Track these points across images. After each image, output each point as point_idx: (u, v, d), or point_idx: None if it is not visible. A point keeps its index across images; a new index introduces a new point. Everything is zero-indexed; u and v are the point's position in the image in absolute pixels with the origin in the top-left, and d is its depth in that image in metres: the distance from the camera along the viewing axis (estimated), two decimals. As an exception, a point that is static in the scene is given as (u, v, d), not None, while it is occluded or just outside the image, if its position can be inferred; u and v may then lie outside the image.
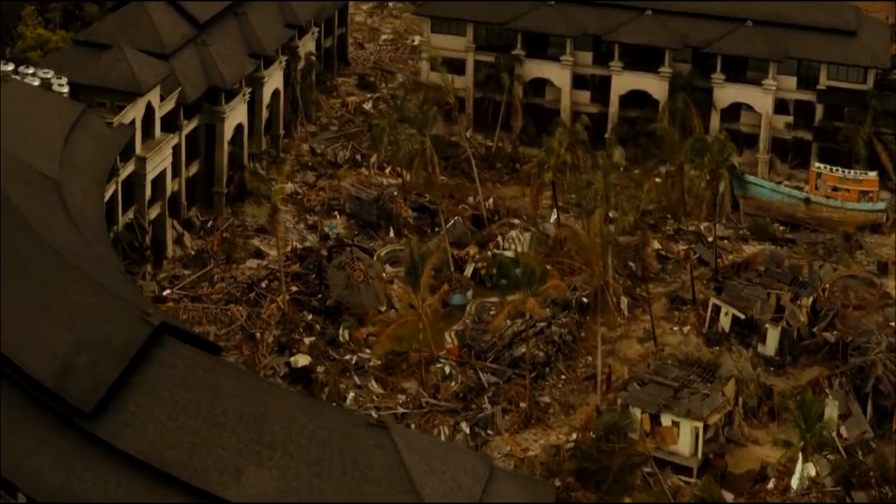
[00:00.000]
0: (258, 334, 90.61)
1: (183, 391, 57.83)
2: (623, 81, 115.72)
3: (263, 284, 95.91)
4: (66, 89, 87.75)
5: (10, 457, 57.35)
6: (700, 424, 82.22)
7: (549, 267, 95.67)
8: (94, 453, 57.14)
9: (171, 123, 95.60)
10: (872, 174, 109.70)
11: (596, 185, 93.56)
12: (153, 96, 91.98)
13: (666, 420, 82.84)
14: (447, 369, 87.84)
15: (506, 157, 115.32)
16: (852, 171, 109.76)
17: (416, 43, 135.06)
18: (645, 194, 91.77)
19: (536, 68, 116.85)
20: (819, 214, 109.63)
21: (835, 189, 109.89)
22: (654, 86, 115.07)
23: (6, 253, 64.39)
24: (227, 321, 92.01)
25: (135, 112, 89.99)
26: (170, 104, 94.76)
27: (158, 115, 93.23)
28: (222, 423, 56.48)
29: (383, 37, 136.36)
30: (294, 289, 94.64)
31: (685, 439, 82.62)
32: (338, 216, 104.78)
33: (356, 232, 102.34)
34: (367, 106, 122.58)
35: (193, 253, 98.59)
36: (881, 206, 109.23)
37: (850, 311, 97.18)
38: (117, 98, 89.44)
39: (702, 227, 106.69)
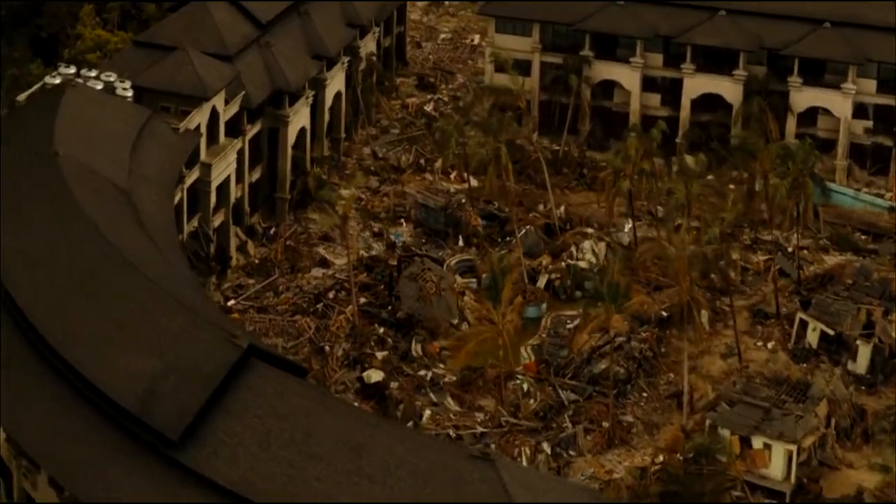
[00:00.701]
0: (327, 347, 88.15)
1: (274, 419, 55.23)
2: (695, 84, 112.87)
3: (331, 295, 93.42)
4: (129, 93, 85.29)
5: (94, 486, 54.96)
6: (794, 447, 79.40)
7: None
8: (182, 483, 54.58)
9: (234, 128, 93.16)
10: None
11: (677, 195, 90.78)
12: (218, 100, 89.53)
13: (757, 442, 79.98)
14: (525, 386, 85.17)
15: (573, 161, 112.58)
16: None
17: (475, 42, 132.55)
18: (729, 205, 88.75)
19: (605, 70, 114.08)
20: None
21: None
22: (728, 89, 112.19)
23: (83, 268, 62.03)
24: (294, 333, 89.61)
25: (200, 117, 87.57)
26: (234, 108, 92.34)
27: (223, 119, 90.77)
28: (318, 454, 53.85)
29: (442, 36, 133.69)
30: (362, 300, 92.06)
31: (777, 462, 79.75)
32: (403, 223, 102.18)
33: (423, 240, 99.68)
34: (429, 108, 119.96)
35: (257, 261, 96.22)
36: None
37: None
38: (182, 102, 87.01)
39: (780, 237, 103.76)
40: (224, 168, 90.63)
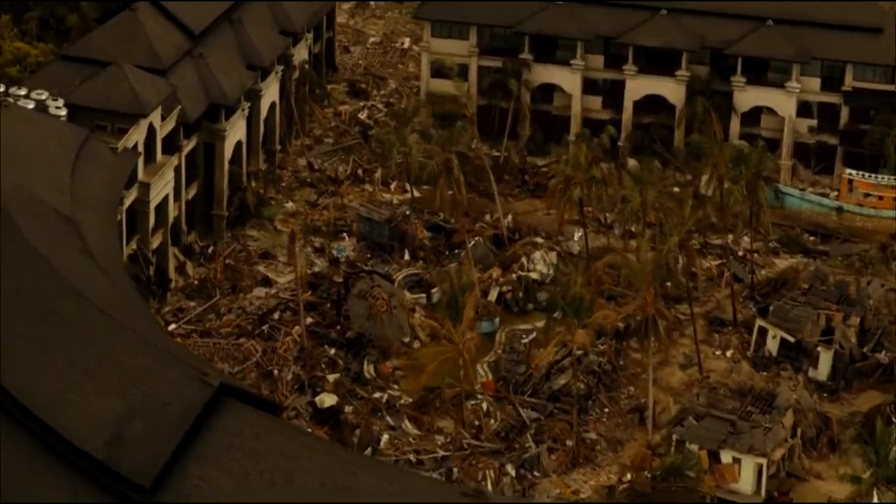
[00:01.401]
0: (276, 371, 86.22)
1: (252, 460, 52.98)
2: (637, 86, 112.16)
3: (276, 316, 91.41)
4: (63, 112, 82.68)
5: (61, 540, 52.64)
6: (764, 461, 78.94)
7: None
8: (155, 532, 52.48)
9: (170, 144, 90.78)
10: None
11: (633, 203, 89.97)
12: (155, 117, 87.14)
13: (726, 456, 79.46)
14: (485, 406, 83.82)
15: (514, 168, 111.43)
16: (886, 177, 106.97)
17: (406, 46, 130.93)
18: (687, 212, 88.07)
19: (545, 73, 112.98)
20: (852, 224, 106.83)
21: (867, 196, 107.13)
22: (671, 90, 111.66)
23: (35, 305, 59.46)
24: (240, 358, 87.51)
25: (138, 135, 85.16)
26: (170, 124, 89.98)
27: (160, 136, 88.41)
28: (301, 497, 51.94)
29: (371, 39, 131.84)
30: (309, 320, 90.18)
31: (747, 476, 79.30)
32: (346, 238, 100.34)
33: (369, 255, 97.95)
34: (363, 115, 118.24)
35: (197, 282, 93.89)
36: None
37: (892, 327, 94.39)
38: (119, 120, 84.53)
39: (728, 241, 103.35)
40: (162, 187, 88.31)
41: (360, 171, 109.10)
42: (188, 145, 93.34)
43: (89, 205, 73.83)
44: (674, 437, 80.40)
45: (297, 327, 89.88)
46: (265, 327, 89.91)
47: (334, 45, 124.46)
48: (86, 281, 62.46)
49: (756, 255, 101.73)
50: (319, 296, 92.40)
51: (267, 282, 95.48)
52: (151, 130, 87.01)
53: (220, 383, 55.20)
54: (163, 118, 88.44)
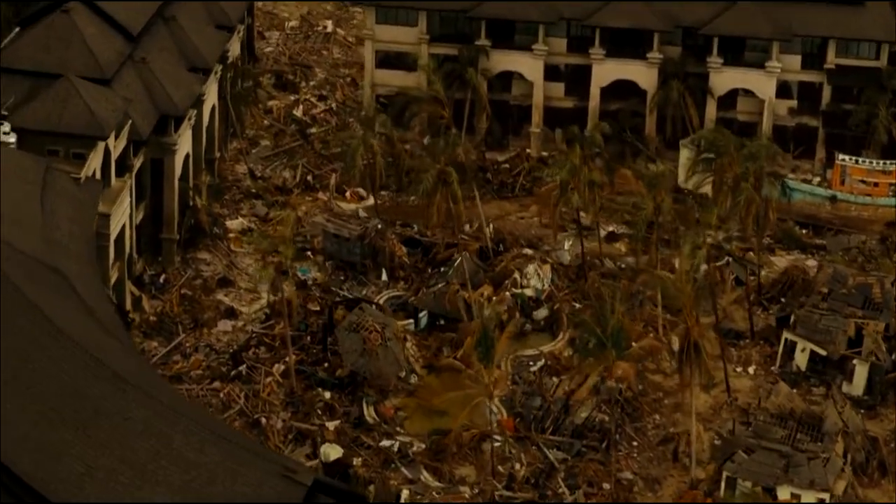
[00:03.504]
0: (264, 420, 79.88)
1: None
2: (605, 71, 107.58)
3: (250, 353, 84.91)
4: (13, 139, 74.90)
5: None
6: (827, 496, 75.28)
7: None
8: None
9: (121, 165, 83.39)
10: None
11: (647, 211, 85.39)
12: (111, 138, 79.84)
13: (784, 493, 75.56)
14: (507, 448, 78.67)
15: (472, 166, 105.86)
16: (882, 162, 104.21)
17: (328, 30, 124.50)
18: (714, 219, 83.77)
19: (504, 60, 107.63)
20: (847, 214, 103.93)
21: (863, 183, 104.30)
22: (642, 74, 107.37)
23: (61, 387, 52.69)
24: (219, 405, 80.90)
25: (96, 160, 77.78)
26: (122, 143, 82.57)
27: (113, 158, 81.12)
28: None
29: (290, 24, 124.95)
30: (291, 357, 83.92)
31: (807, 514, 75.70)
32: (310, 255, 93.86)
33: (342, 277, 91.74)
34: (297, 112, 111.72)
35: (154, 318, 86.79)
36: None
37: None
38: (75, 144, 77.04)
39: (720, 239, 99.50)
40: (121, 216, 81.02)
41: (309, 178, 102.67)
42: (136, 163, 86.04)
43: (69, 250, 66.56)
44: (724, 474, 76.21)
45: (276, 366, 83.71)
46: (242, 368, 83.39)
47: (254, 34, 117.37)
48: (104, 351, 55.64)
49: (751, 253, 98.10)
50: (297, 328, 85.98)
51: (232, 313, 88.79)
52: (107, 153, 79.66)
53: (313, 481, 49.48)
54: (115, 136, 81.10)
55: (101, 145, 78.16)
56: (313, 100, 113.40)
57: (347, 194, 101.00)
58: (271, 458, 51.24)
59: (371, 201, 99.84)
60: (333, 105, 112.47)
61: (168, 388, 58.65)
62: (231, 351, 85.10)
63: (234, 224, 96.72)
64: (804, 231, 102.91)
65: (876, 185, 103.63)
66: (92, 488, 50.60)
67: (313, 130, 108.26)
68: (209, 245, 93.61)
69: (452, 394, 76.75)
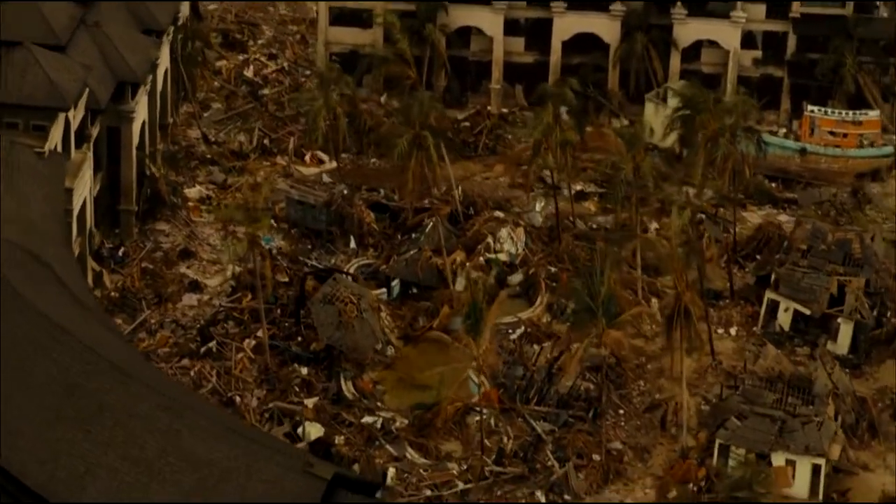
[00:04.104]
0: (238, 398, 77.99)
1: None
2: (566, 24, 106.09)
3: (218, 328, 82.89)
4: (-32, 113, 72.26)
5: None
6: (823, 461, 74.70)
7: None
8: None
9: (79, 136, 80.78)
10: (874, 113, 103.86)
11: (626, 171, 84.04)
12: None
13: (779, 459, 74.89)
14: (493, 421, 77.33)
15: (445, 127, 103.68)
16: (851, 113, 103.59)
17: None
18: (699, 180, 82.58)
19: (462, 15, 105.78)
20: (816, 166, 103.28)
21: (832, 134, 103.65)
22: (604, 27, 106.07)
23: (61, 384, 50.67)
24: (190, 384, 78.85)
25: (57, 132, 75.22)
26: (80, 112, 79.95)
27: (73, 129, 78.54)
28: None
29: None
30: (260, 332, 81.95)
31: (803, 479, 74.81)
32: (274, 224, 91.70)
33: (310, 246, 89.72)
34: (248, 72, 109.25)
35: (116, 294, 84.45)
36: (888, 150, 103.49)
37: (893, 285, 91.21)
38: (33, 116, 74.39)
39: (690, 196, 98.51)
40: (83, 189, 78.60)
41: (266, 142, 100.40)
42: (93, 133, 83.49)
43: (45, 233, 64.21)
44: (717, 441, 75.36)
45: (246, 341, 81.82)
46: (212, 344, 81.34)
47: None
48: (101, 344, 53.63)
49: (722, 209, 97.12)
50: (266, 301, 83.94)
51: (196, 286, 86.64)
52: (66, 124, 77.08)
53: (333, 475, 47.99)
54: (74, 106, 78.49)
55: (62, 117, 75.47)
56: (263, 59, 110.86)
57: (307, 158, 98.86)
58: (286, 451, 49.50)
59: (331, 165, 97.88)
60: (285, 64, 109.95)
61: (169, 379, 56.58)
62: (198, 326, 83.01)
63: (192, 192, 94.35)
64: (773, 185, 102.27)
65: (845, 136, 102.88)
66: (94, 488, 48.85)
67: (266, 92, 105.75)
68: (168, 216, 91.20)
69: (439, 368, 75.09)
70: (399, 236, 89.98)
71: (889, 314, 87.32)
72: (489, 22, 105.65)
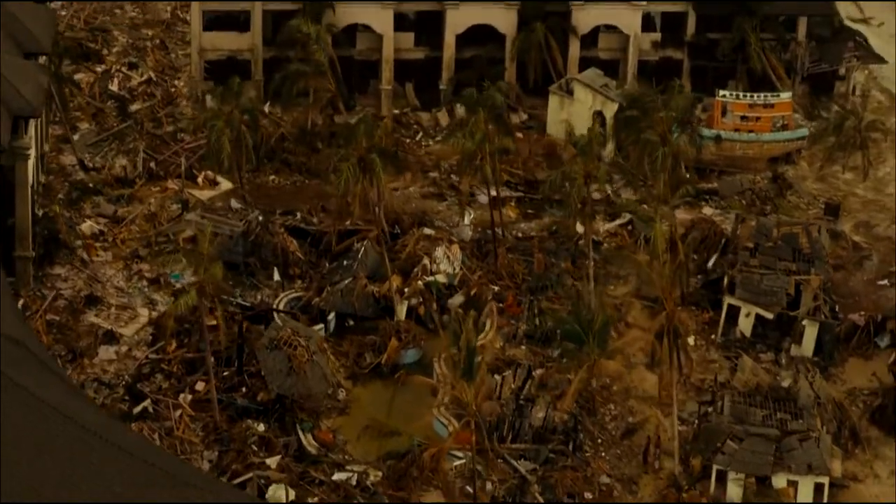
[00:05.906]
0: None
1: None
2: (460, 16, 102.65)
3: (146, 385, 77.50)
4: None
5: None
6: (826, 479, 73.27)
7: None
8: None
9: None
10: (785, 95, 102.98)
11: (578, 181, 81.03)
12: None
13: (780, 482, 73.29)
14: (470, 466, 73.62)
15: (321, 133, 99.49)
16: (763, 95, 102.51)
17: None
18: (661, 187, 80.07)
19: (351, 13, 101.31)
20: (731, 153, 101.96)
21: (744, 119, 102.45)
22: (500, 17, 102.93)
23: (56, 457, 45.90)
24: (132, 453, 73.23)
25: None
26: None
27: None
28: None
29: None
30: (201, 385, 76.82)
31: (805, 499, 73.48)
32: (183, 259, 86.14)
33: (230, 281, 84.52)
34: (113, 86, 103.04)
35: (26, 355, 78.08)
36: (802, 132, 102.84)
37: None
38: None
39: (609, 193, 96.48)
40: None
41: (153, 165, 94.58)
42: (-14, 176, 77.08)
43: None
44: (715, 467, 73.25)
45: (182, 395, 76.73)
46: (146, 403, 75.94)
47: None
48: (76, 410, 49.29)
49: (644, 206, 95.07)
50: (196, 349, 78.76)
51: (111, 337, 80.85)
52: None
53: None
54: (-24, 152, 72.08)
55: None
56: (124, 70, 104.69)
57: (199, 180, 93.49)
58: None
59: (227, 186, 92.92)
60: (151, 74, 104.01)
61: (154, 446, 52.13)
62: (124, 384, 77.52)
63: (85, 228, 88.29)
64: (687, 175, 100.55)
65: (758, 119, 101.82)
66: None
67: (136, 107, 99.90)
68: (63, 258, 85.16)
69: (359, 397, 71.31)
70: (326, 264, 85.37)
71: (837, 309, 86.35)
72: (378, 18, 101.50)
